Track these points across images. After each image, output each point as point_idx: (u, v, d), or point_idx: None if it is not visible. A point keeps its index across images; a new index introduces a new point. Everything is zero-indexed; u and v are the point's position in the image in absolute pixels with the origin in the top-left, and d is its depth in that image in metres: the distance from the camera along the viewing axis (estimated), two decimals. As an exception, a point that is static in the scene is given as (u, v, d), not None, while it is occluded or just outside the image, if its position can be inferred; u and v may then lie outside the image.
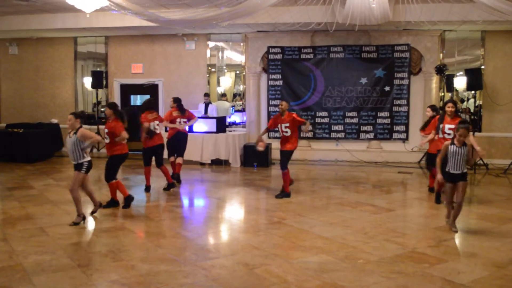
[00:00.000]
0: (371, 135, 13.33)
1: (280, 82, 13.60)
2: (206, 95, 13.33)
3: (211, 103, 13.34)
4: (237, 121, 14.47)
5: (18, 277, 4.79)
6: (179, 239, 6.26)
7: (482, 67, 12.77)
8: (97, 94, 14.30)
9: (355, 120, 13.34)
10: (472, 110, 13.43)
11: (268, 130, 9.21)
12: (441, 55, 13.05)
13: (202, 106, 13.25)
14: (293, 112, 9.00)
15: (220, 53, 14.82)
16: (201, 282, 4.72)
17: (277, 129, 8.89)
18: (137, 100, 15.10)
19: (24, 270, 4.96)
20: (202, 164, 12.70)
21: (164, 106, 14.36)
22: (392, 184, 10.49)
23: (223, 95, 14.46)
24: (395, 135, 13.23)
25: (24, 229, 6.54)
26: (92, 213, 7.22)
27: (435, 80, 12.97)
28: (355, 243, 6.03)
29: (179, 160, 10.01)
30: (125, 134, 7.49)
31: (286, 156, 8.74)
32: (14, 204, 8.08)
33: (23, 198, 8.56)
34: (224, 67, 15.00)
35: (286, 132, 8.66)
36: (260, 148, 8.72)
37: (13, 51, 15.27)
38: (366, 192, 9.52)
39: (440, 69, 12.28)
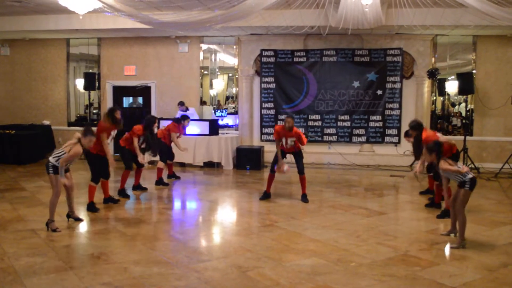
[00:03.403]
0: (363, 139, 13.37)
1: (273, 85, 13.62)
2: (181, 103, 13.15)
3: (188, 111, 13.19)
4: (230, 123, 14.48)
5: (10, 280, 4.76)
6: (171, 242, 6.25)
7: (474, 71, 12.85)
8: (89, 96, 14.24)
9: (348, 124, 13.38)
10: (463, 114, 13.52)
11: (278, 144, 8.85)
12: (433, 59, 13.12)
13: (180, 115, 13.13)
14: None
15: (213, 55, 14.82)
16: (193, 285, 4.72)
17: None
18: (130, 102, 15.07)
19: (15, 272, 4.93)
20: (195, 166, 12.69)
21: (156, 108, 14.35)
22: (384, 187, 10.53)
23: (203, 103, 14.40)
24: (387, 139, 13.27)
25: (16, 231, 6.51)
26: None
27: (427, 84, 13.03)
28: (347, 246, 6.05)
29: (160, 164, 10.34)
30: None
31: (302, 157, 8.80)
32: (5, 206, 8.03)
33: (14, 200, 8.52)
34: (217, 70, 15.00)
35: (291, 144, 8.67)
36: (286, 168, 8.66)
37: (5, 52, 15.17)
38: (358, 195, 9.56)
39: (432, 73, 12.35)
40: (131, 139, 8.89)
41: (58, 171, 6.49)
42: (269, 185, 8.92)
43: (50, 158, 6.56)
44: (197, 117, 13.14)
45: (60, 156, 6.50)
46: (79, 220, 7.07)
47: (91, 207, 7.73)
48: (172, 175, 10.92)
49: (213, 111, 14.42)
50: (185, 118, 10.51)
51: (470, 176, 6.04)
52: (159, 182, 10.18)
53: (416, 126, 8.04)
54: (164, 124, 12.62)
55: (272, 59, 13.56)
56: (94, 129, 7.14)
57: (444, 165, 6.09)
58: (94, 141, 6.84)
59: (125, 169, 8.94)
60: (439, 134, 8.49)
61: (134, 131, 8.93)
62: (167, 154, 10.25)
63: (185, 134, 11.39)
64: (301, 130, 9.16)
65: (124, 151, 9.00)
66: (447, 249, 6.00)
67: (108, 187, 8.24)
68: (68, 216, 7.03)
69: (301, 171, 8.71)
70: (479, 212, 8.01)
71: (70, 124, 15.08)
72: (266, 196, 8.89)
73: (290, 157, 8.88)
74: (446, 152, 7.61)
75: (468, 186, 6.02)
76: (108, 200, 8.24)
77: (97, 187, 7.84)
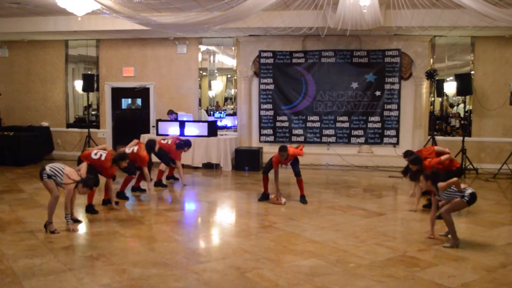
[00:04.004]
0: (362, 140, 13.38)
1: (271, 86, 13.62)
2: (171, 112, 13.13)
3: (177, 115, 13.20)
4: (229, 125, 14.48)
5: (8, 281, 4.76)
6: (170, 243, 6.25)
7: (472, 72, 12.87)
8: (88, 97, 14.22)
9: (346, 125, 13.38)
10: (462, 115, 13.53)
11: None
12: (431, 60, 13.13)
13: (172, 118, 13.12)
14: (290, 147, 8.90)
15: (212, 57, 14.81)
16: (192, 286, 4.72)
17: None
18: (129, 103, 15.08)
19: (14, 274, 4.93)
20: (193, 167, 12.68)
21: (155, 110, 14.35)
22: (383, 188, 10.54)
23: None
24: (385, 140, 13.28)
25: (15, 233, 6.51)
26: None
27: (425, 85, 13.04)
28: (346, 247, 6.06)
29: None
30: None
31: (298, 160, 8.78)
32: (4, 207, 8.03)
33: (13, 201, 8.51)
34: (216, 71, 15.00)
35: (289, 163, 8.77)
36: (283, 201, 8.65)
37: (4, 54, 15.16)
38: (357, 196, 9.56)
39: (431, 74, 12.35)
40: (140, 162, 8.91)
41: (52, 178, 6.55)
42: (266, 186, 8.92)
43: (47, 167, 6.57)
44: (191, 118, 13.11)
45: (57, 172, 6.51)
46: (77, 221, 7.07)
47: (90, 209, 7.72)
48: (171, 177, 10.92)
49: (205, 113, 14.42)
50: (187, 145, 10.32)
51: (470, 191, 6.08)
52: (158, 183, 10.18)
53: (416, 161, 7.90)
54: (163, 124, 12.69)
55: (270, 60, 13.56)
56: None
57: (442, 184, 6.10)
58: (88, 191, 6.84)
59: (128, 175, 8.95)
60: (437, 147, 8.63)
61: (143, 161, 8.88)
62: (170, 159, 10.22)
63: (183, 135, 11.42)
64: (295, 146, 9.00)
65: None
66: (445, 250, 6.01)
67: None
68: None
69: (297, 173, 8.70)
70: (477, 213, 8.02)
71: (69, 125, 15.08)
72: (264, 197, 8.89)
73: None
74: (447, 167, 7.75)
75: (467, 199, 6.04)
76: (107, 201, 8.23)
77: (96, 189, 7.83)
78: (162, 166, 10.24)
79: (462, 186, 6.12)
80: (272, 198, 8.72)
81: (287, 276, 5.01)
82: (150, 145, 9.23)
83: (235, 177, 11.70)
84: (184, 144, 10.21)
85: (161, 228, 7.06)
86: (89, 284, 4.71)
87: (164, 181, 10.44)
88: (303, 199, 8.73)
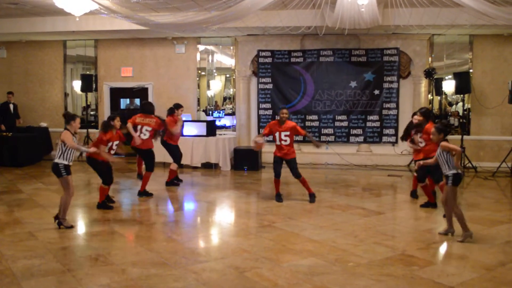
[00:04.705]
0: (361, 139, 13.38)
1: (270, 86, 13.61)
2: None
3: None
4: (227, 124, 14.47)
5: (7, 282, 4.75)
6: (169, 243, 6.25)
7: (471, 70, 12.88)
8: (86, 97, 14.22)
9: (345, 124, 13.38)
10: (461, 114, 13.53)
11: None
12: (430, 58, 13.14)
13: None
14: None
15: (210, 56, 14.80)
16: (191, 286, 4.72)
17: (270, 137, 8.82)
18: (127, 103, 15.07)
19: (13, 275, 4.93)
20: (192, 167, 12.67)
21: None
22: (381, 187, 10.54)
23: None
24: (384, 138, 13.28)
25: (13, 234, 6.50)
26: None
27: (424, 83, 13.05)
28: (345, 246, 6.06)
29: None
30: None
31: (295, 163, 8.65)
32: (3, 208, 8.02)
33: (12, 202, 8.50)
34: (214, 71, 14.99)
35: (286, 140, 8.58)
36: (260, 141, 8.68)
37: (2, 55, 15.14)
38: (356, 195, 9.56)
39: (429, 73, 12.35)
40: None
41: (70, 170, 6.68)
42: (277, 187, 8.86)
43: (58, 160, 6.56)
44: (189, 118, 13.10)
45: (63, 152, 6.51)
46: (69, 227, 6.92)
47: (103, 205, 7.88)
48: (174, 179, 10.85)
49: (203, 114, 14.42)
50: (178, 106, 10.39)
51: (453, 171, 6.18)
52: (174, 181, 10.18)
53: (426, 113, 8.35)
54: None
55: (269, 60, 13.56)
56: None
57: (445, 143, 6.24)
58: (79, 120, 6.81)
59: (146, 171, 9.05)
60: None
61: (132, 119, 9.06)
62: (179, 155, 10.21)
63: (182, 135, 11.40)
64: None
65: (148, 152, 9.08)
66: (444, 248, 6.02)
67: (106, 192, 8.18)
68: (57, 218, 6.91)
69: (297, 175, 8.59)
70: (477, 211, 8.03)
71: (67, 126, 15.04)
72: (278, 197, 8.79)
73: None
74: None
75: (450, 182, 6.18)
76: (105, 201, 8.22)
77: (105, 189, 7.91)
78: (174, 166, 10.18)
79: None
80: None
81: (286, 275, 5.01)
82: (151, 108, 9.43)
83: (234, 177, 11.69)
84: (174, 107, 10.29)
85: (160, 228, 7.07)
86: (88, 285, 4.70)
87: (162, 182, 10.38)
88: (312, 198, 8.65)
